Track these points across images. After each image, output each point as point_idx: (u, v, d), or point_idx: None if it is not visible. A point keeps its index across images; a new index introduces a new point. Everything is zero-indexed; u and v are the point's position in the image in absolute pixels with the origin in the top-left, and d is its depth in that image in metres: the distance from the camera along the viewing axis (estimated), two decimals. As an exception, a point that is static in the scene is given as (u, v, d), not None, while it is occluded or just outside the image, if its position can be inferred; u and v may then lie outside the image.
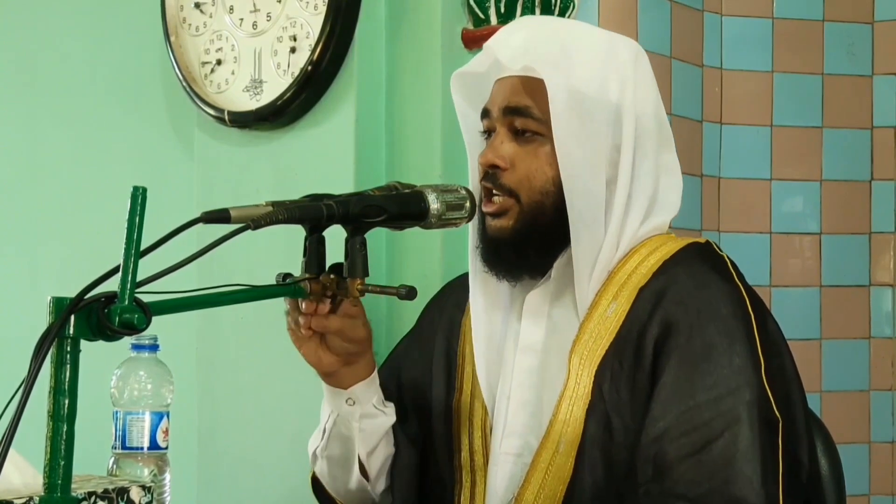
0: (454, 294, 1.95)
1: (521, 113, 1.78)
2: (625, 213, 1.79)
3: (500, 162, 1.78)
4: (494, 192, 1.78)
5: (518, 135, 1.79)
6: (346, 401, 1.81)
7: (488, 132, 1.83)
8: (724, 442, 1.64)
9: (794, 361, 1.80)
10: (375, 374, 1.83)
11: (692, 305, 1.71)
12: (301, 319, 1.70)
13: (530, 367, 1.80)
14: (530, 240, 1.78)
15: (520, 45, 1.79)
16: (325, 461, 1.89)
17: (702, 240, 1.87)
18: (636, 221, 1.80)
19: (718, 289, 1.73)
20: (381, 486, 1.90)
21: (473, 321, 1.87)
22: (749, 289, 1.77)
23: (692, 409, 1.65)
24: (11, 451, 1.29)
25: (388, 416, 1.85)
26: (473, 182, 1.83)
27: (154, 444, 1.85)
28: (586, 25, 1.91)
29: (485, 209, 1.80)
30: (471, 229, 1.86)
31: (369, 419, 1.82)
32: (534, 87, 1.76)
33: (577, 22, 1.90)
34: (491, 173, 1.79)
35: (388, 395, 1.93)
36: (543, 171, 1.77)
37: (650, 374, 1.70)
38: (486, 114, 1.83)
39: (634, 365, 1.72)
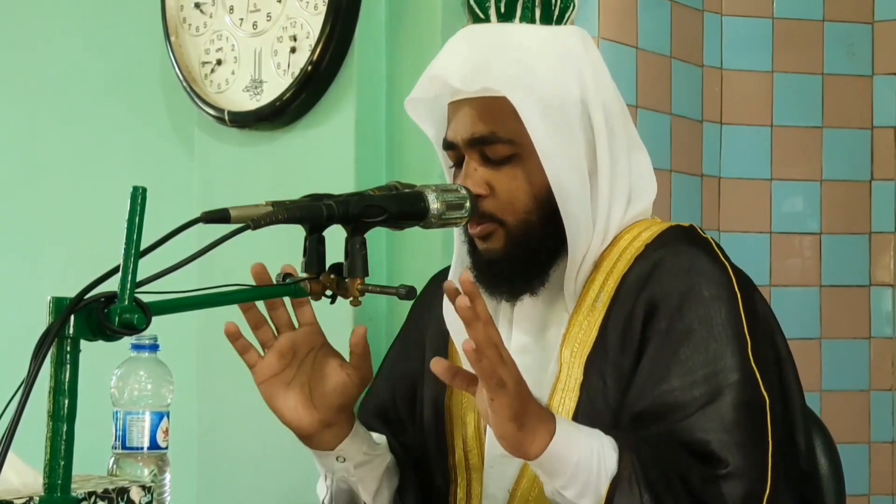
0: (440, 291, 1.93)
1: (488, 140, 1.74)
2: (609, 203, 1.77)
3: (481, 190, 1.73)
4: (477, 220, 1.75)
5: (489, 161, 1.75)
6: (337, 459, 1.77)
7: (457, 162, 1.79)
8: (698, 423, 1.62)
9: (787, 343, 1.79)
10: (357, 422, 1.79)
11: (675, 288, 1.70)
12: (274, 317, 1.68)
13: (523, 367, 1.79)
14: (525, 258, 1.75)
15: (469, 65, 1.76)
16: None
17: (685, 223, 1.85)
18: (621, 207, 1.78)
19: (703, 270, 1.71)
20: None
21: (452, 326, 1.83)
22: (736, 269, 1.75)
23: (666, 393, 1.64)
24: (9, 454, 1.29)
25: (383, 455, 1.82)
26: None
27: (154, 444, 1.85)
28: (524, 26, 1.85)
29: (471, 231, 1.77)
30: (456, 250, 1.84)
31: (364, 466, 1.79)
32: (493, 108, 1.73)
33: (513, 25, 1.84)
34: None
35: (387, 410, 1.93)
36: (524, 191, 1.74)
37: (635, 357, 1.69)
38: (449, 146, 1.79)
39: (620, 350, 1.70)
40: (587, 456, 1.57)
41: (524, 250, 1.75)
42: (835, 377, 2.81)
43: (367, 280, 1.61)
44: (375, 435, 1.85)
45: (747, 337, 1.68)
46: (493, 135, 1.74)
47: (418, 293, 2.01)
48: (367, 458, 1.79)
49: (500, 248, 1.75)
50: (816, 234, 2.85)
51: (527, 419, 1.54)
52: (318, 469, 1.84)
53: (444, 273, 1.94)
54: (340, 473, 1.79)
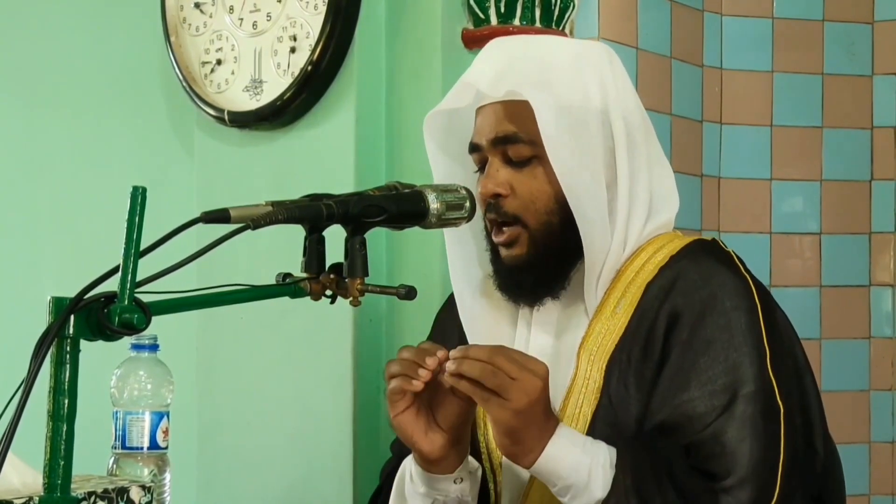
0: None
1: (510, 140, 1.78)
2: (629, 211, 1.80)
3: (501, 189, 1.79)
4: (500, 221, 1.79)
5: (511, 162, 1.80)
6: (455, 481, 1.76)
7: (481, 166, 1.84)
8: (713, 430, 1.66)
9: (806, 354, 1.82)
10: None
11: (697, 298, 1.73)
12: (429, 361, 1.66)
13: None
14: (547, 262, 1.79)
15: (497, 71, 1.80)
16: None
17: (708, 238, 1.89)
18: (640, 218, 1.82)
19: (724, 281, 1.75)
20: None
21: (470, 332, 1.87)
22: (757, 281, 1.79)
23: (685, 403, 1.68)
24: (9, 454, 1.29)
25: (478, 466, 1.82)
26: None
27: (154, 444, 1.85)
28: (554, 38, 1.94)
29: (495, 239, 1.81)
30: (455, 261, 1.88)
31: (473, 482, 1.79)
32: (517, 111, 1.78)
33: (545, 37, 1.91)
34: (493, 203, 1.80)
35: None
36: (544, 191, 1.78)
37: (658, 367, 1.72)
38: (475, 148, 1.83)
39: (642, 359, 1.73)
40: (574, 470, 1.65)
41: (546, 254, 1.78)
42: (835, 377, 2.81)
43: (366, 280, 1.61)
44: None
45: (766, 347, 1.71)
46: (515, 135, 1.78)
47: (442, 306, 2.03)
48: (474, 473, 1.80)
49: (524, 253, 1.79)
50: (816, 234, 2.85)
51: (524, 434, 1.63)
52: (415, 499, 1.79)
53: None
54: (454, 495, 1.78)
